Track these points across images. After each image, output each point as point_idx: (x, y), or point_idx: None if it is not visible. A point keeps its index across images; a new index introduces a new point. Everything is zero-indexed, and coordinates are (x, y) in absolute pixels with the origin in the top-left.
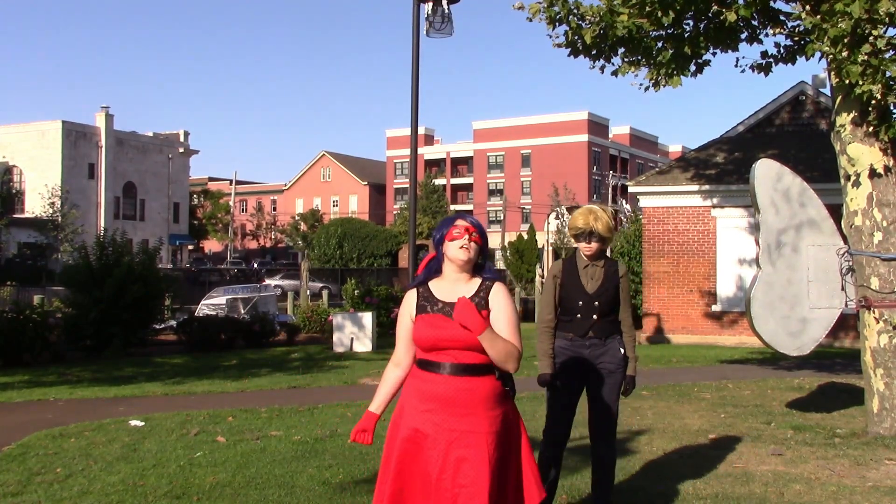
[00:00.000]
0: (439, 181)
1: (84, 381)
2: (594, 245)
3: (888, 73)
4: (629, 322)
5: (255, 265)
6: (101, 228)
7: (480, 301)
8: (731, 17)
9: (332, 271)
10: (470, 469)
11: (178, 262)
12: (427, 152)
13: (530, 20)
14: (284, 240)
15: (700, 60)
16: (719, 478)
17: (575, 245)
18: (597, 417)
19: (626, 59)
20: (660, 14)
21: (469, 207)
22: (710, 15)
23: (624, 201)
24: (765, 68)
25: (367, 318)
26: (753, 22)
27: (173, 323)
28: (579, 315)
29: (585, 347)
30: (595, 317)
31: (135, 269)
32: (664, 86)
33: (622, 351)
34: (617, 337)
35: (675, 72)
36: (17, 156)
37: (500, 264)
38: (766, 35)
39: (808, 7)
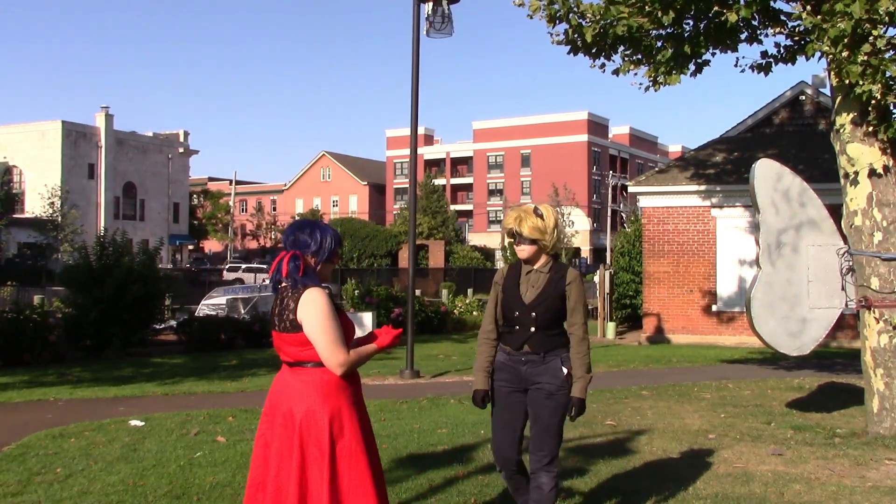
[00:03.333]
0: (439, 181)
1: (84, 381)
2: (524, 247)
3: (888, 73)
4: (580, 335)
5: (255, 265)
6: (101, 228)
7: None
8: (732, 17)
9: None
10: None
11: (178, 262)
12: (427, 152)
13: (530, 17)
14: None
15: (700, 60)
16: (719, 478)
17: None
18: (536, 444)
19: (626, 58)
20: (660, 14)
21: (469, 207)
22: (710, 15)
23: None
24: (765, 68)
25: (367, 318)
26: (753, 22)
27: (173, 323)
28: (518, 326)
29: (522, 363)
30: (533, 329)
31: (135, 269)
32: (663, 84)
33: (565, 370)
34: (561, 353)
35: (674, 70)
36: (17, 156)
37: (500, 264)
38: (766, 35)
39: (808, 7)
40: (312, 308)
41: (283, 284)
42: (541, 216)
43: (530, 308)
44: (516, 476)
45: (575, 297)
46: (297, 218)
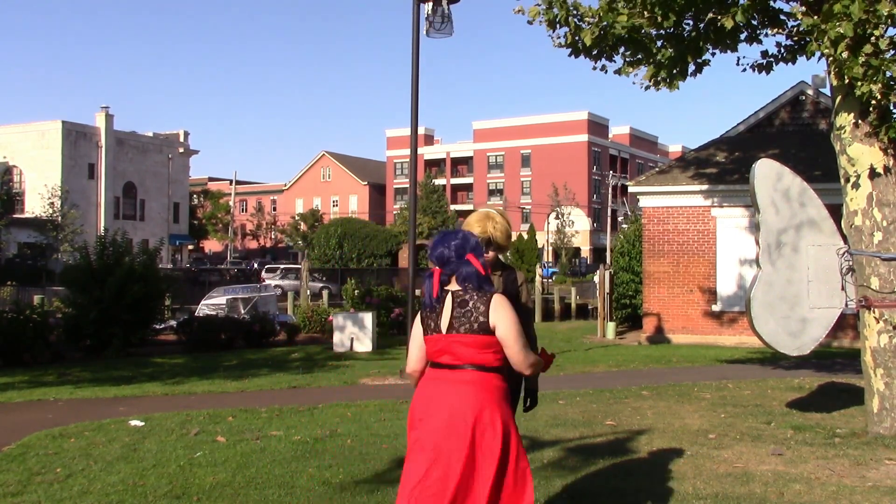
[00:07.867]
0: (439, 181)
1: (84, 381)
2: (490, 254)
3: (888, 73)
4: (530, 338)
5: (255, 265)
6: (102, 228)
7: None
8: (728, 23)
9: (332, 271)
10: None
11: (178, 262)
12: (427, 152)
13: (530, 23)
14: (284, 240)
15: (700, 60)
16: (719, 478)
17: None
18: None
19: (626, 59)
20: (659, 18)
21: (469, 207)
22: (709, 16)
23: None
24: (765, 68)
25: (367, 318)
26: (753, 22)
27: (173, 323)
28: None
29: None
30: None
31: (135, 269)
32: (663, 86)
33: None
34: None
35: (675, 75)
36: (17, 156)
37: None
38: (766, 35)
39: (805, 8)
40: (507, 312)
41: (457, 289)
42: (508, 223)
43: None
44: None
45: (525, 296)
46: (297, 218)
